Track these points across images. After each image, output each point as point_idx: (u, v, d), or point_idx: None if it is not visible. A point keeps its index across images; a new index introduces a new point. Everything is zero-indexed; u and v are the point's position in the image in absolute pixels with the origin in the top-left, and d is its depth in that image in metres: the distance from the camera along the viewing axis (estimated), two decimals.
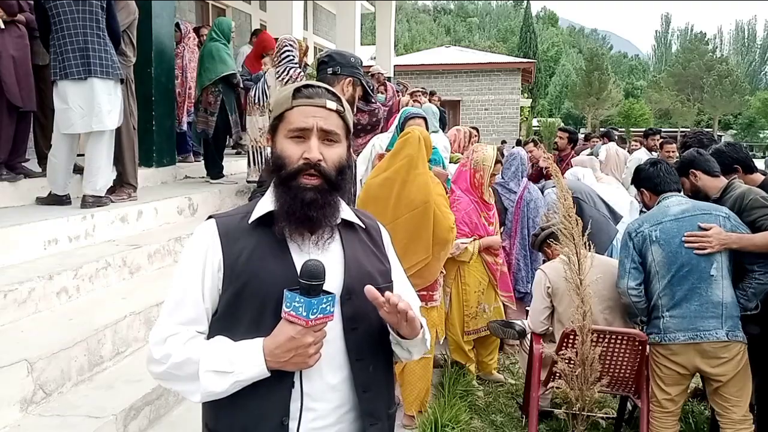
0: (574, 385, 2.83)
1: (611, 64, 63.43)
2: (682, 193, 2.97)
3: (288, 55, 4.75)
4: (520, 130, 25.34)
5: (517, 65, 24.06)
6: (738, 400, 2.66)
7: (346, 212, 1.31)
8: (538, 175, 6.16)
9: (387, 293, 1.16)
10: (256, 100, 5.07)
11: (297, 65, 4.80)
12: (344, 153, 1.28)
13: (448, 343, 3.90)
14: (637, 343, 2.89)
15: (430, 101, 7.82)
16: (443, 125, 7.46)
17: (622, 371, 2.96)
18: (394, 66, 13.24)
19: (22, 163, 4.19)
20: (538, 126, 35.84)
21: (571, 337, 2.86)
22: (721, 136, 38.90)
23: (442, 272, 3.40)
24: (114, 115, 3.79)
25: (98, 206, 3.81)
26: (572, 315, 2.87)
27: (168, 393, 2.70)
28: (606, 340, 2.88)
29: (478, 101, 23.04)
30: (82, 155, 3.96)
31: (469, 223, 3.68)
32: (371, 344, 1.27)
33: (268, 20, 7.96)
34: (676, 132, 29.55)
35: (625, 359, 2.93)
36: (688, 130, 12.19)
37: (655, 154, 6.92)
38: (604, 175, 5.73)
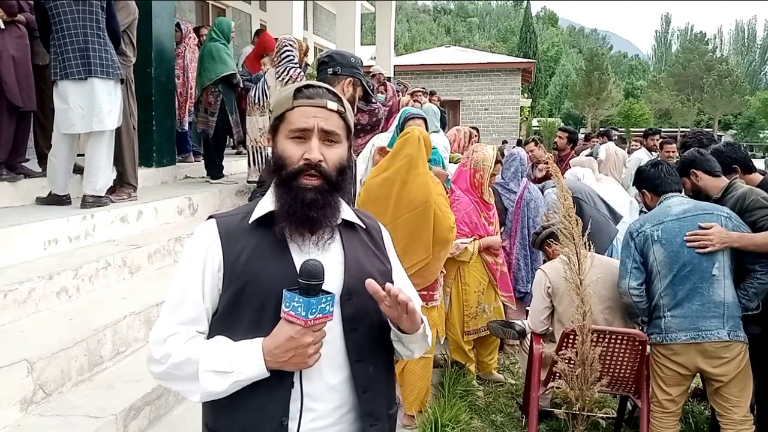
0: (574, 385, 2.83)
1: (611, 64, 63.43)
2: (683, 193, 2.97)
3: (288, 55, 4.75)
4: (520, 130, 25.34)
5: (517, 65, 24.06)
6: (739, 401, 2.66)
7: (346, 212, 1.31)
8: (543, 177, 6.13)
9: (387, 284, 1.17)
10: (256, 101, 5.07)
11: (297, 65, 4.80)
12: (345, 153, 1.28)
13: (448, 343, 3.90)
14: (637, 343, 2.89)
15: (429, 101, 7.82)
16: (443, 125, 7.46)
17: (622, 371, 2.96)
18: (394, 66, 13.24)
19: (22, 163, 4.19)
20: (538, 126, 35.84)
21: (571, 337, 2.86)
22: (721, 136, 38.90)
23: (442, 272, 3.40)
24: (114, 115, 3.79)
25: (98, 206, 3.81)
26: (572, 315, 2.87)
27: (168, 393, 2.70)
28: (606, 340, 2.88)
29: (478, 101, 23.04)
30: (82, 155, 3.96)
31: (469, 223, 3.68)
32: (371, 345, 1.27)
33: (268, 20, 7.96)
34: (676, 132, 29.55)
35: (625, 359, 2.93)
36: (688, 130, 12.19)
37: (654, 154, 6.92)
38: (603, 176, 5.73)
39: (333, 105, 1.25)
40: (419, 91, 7.71)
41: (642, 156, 7.02)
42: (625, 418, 3.41)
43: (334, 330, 1.20)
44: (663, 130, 19.24)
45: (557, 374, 2.93)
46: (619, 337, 2.90)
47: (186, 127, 6.48)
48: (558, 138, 6.77)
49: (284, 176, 1.22)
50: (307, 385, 1.18)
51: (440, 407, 3.21)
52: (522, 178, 4.50)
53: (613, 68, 59.11)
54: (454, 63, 23.41)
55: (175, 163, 5.71)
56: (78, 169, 4.12)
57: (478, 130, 6.86)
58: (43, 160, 4.33)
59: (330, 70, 2.59)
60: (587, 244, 2.95)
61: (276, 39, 5.24)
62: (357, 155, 3.68)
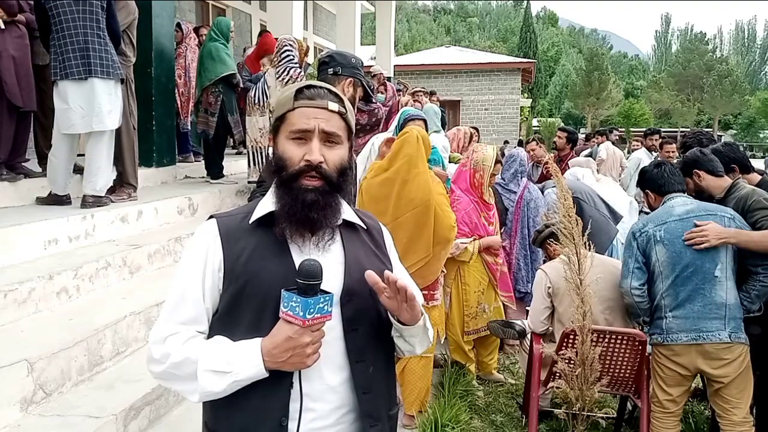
0: (574, 385, 2.83)
1: (611, 64, 63.41)
2: (686, 193, 2.96)
3: (288, 55, 4.75)
4: (520, 130, 25.34)
5: (517, 65, 24.05)
6: (739, 402, 2.66)
7: (347, 213, 1.31)
8: (545, 177, 6.13)
9: (386, 272, 1.17)
10: (256, 101, 5.07)
11: (297, 65, 4.80)
12: (346, 154, 1.27)
13: (448, 343, 3.90)
14: (637, 343, 2.89)
15: (429, 101, 7.81)
16: (443, 125, 7.45)
17: (622, 371, 2.96)
18: (394, 66, 13.23)
19: (22, 163, 4.19)
20: (538, 126, 35.85)
21: (571, 337, 2.86)
22: (721, 136, 38.91)
23: (442, 272, 3.40)
24: (114, 115, 3.79)
25: (98, 206, 3.81)
26: (572, 315, 2.87)
27: (168, 393, 2.70)
28: (606, 340, 2.88)
29: (478, 101, 23.04)
30: (82, 155, 3.96)
31: (469, 223, 3.69)
32: (372, 345, 1.27)
33: (268, 20, 7.95)
34: (676, 132, 29.55)
35: (625, 359, 2.93)
36: (688, 130, 12.19)
37: (654, 155, 6.92)
38: (602, 176, 5.73)
39: (334, 106, 1.24)
40: (419, 90, 7.70)
41: (642, 156, 7.02)
42: (625, 418, 3.41)
43: (334, 330, 1.20)
44: (663, 130, 19.22)
45: (557, 374, 2.94)
46: (619, 337, 2.90)
47: (188, 127, 6.48)
48: (557, 138, 6.77)
49: (285, 177, 1.22)
50: (306, 386, 1.18)
51: (440, 407, 3.21)
52: (522, 178, 4.50)
53: (613, 68, 59.10)
54: (454, 63, 23.40)
55: (175, 163, 5.71)
56: (78, 169, 4.12)
57: (478, 130, 6.86)
58: (43, 160, 4.34)
59: (330, 71, 2.60)
60: (587, 244, 2.95)
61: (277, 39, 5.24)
62: (357, 155, 3.68)
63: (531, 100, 36.79)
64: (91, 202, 3.79)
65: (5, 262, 3.01)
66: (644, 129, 10.14)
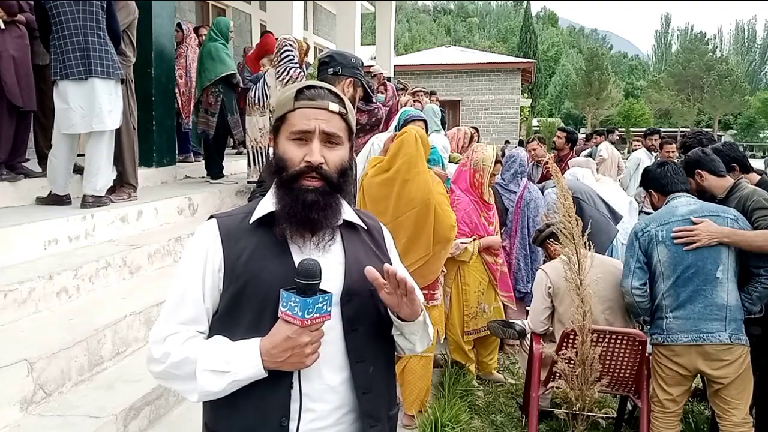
0: (574, 385, 2.83)
1: (611, 64, 63.43)
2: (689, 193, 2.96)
3: (288, 55, 4.75)
4: (520, 130, 25.34)
5: (517, 65, 24.05)
6: (738, 403, 2.66)
7: (348, 213, 1.31)
8: (545, 177, 6.13)
9: (386, 265, 1.17)
10: (256, 101, 5.08)
11: (297, 65, 4.80)
12: (346, 155, 1.27)
13: (448, 343, 3.90)
14: (637, 343, 2.89)
15: (429, 101, 7.81)
16: (443, 125, 7.45)
17: (622, 371, 2.96)
18: (394, 66, 13.23)
19: (23, 163, 4.19)
20: (538, 126, 35.87)
21: (571, 337, 2.86)
22: (721, 136, 38.93)
23: (443, 271, 3.40)
24: (115, 115, 3.79)
25: (98, 206, 3.81)
26: (573, 315, 2.87)
27: (168, 393, 2.70)
28: (606, 340, 2.88)
29: (478, 101, 23.04)
30: (82, 155, 3.96)
31: (468, 223, 3.69)
32: (372, 346, 1.26)
33: (268, 20, 7.95)
34: (676, 132, 29.56)
35: (625, 359, 2.93)
36: (688, 130, 12.19)
37: (654, 155, 6.92)
38: (602, 175, 5.73)
39: (335, 107, 1.24)
40: (420, 90, 7.69)
41: (641, 156, 7.02)
42: (625, 418, 3.41)
43: (334, 330, 1.20)
44: (663, 130, 19.24)
45: (557, 374, 2.93)
46: (619, 337, 2.90)
47: (190, 127, 6.48)
48: (557, 138, 6.76)
49: (285, 178, 1.22)
50: (306, 386, 1.18)
51: (440, 407, 3.21)
52: (522, 179, 4.50)
53: (613, 68, 59.12)
54: (454, 63, 23.41)
55: (175, 163, 5.71)
56: (78, 169, 4.12)
57: (477, 130, 6.86)
58: (43, 160, 4.34)
59: (331, 71, 2.60)
60: (587, 244, 2.95)
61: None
62: (356, 155, 3.68)
63: (531, 100, 36.81)
64: (91, 202, 3.79)
65: (5, 262, 3.01)
66: (644, 129, 10.13)
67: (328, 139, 1.23)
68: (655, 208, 3.00)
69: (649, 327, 2.91)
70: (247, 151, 5.35)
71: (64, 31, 3.58)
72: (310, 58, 8.86)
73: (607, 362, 2.92)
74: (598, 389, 2.83)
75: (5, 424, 2.22)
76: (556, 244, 3.24)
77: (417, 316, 1.25)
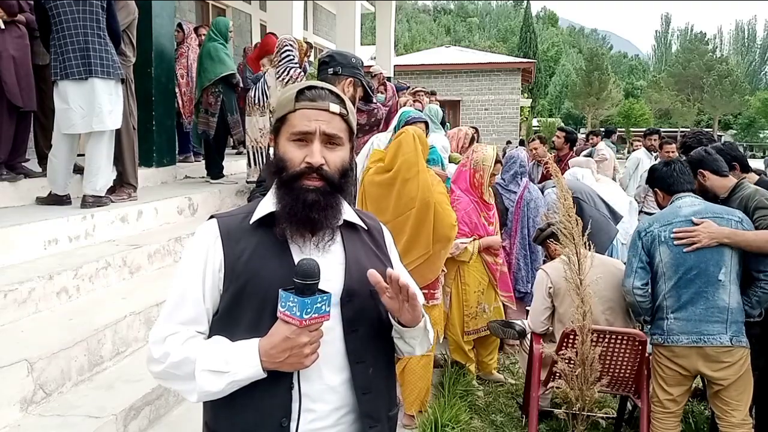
0: (574, 385, 2.83)
1: (611, 64, 63.43)
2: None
3: (288, 55, 4.75)
4: (520, 130, 25.34)
5: (517, 65, 24.04)
6: (738, 404, 2.65)
7: (348, 213, 1.31)
8: (545, 177, 6.12)
9: (388, 269, 1.17)
10: (256, 101, 5.08)
11: (297, 65, 4.80)
12: (347, 156, 1.27)
13: (448, 343, 3.90)
14: (637, 343, 2.89)
15: (429, 101, 7.79)
16: (442, 125, 7.43)
17: (622, 371, 2.96)
18: (394, 66, 13.23)
19: (23, 163, 4.19)
20: (538, 126, 35.87)
21: (571, 337, 2.86)
22: (721, 136, 38.94)
23: (443, 271, 3.40)
24: (115, 115, 3.79)
25: (98, 206, 3.81)
26: (573, 315, 2.87)
27: (168, 393, 2.70)
28: (606, 340, 2.88)
29: (478, 101, 23.03)
30: (82, 155, 3.96)
31: (468, 223, 3.69)
32: (372, 346, 1.26)
33: (268, 20, 7.95)
34: (676, 132, 29.56)
35: (625, 359, 2.93)
36: (688, 130, 12.19)
37: (654, 155, 6.91)
38: (601, 175, 5.73)
39: (335, 108, 1.24)
40: (421, 90, 7.68)
41: (641, 156, 7.01)
42: (625, 418, 3.41)
43: (334, 331, 1.20)
44: (663, 130, 19.25)
45: (557, 374, 2.93)
46: (619, 337, 2.90)
47: (191, 127, 6.48)
48: (556, 138, 6.76)
49: (285, 178, 1.21)
50: (306, 386, 1.18)
51: (440, 407, 3.21)
52: (522, 179, 4.50)
53: (613, 68, 59.12)
54: (454, 63, 23.39)
55: (175, 163, 5.71)
56: (78, 169, 4.12)
57: (477, 131, 6.85)
58: (43, 160, 4.34)
59: (331, 70, 2.59)
60: (587, 244, 2.95)
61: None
62: (356, 155, 3.68)
63: (531, 100, 36.80)
64: (91, 202, 3.79)
65: (5, 262, 3.01)
66: (644, 129, 10.13)
67: (329, 140, 1.23)
68: (661, 207, 2.98)
69: (649, 327, 2.91)
70: (247, 151, 5.35)
71: (64, 31, 3.58)
72: (312, 57, 8.86)
73: (607, 362, 2.92)
74: (598, 389, 2.83)
75: (5, 424, 2.22)
76: (556, 244, 3.23)
77: (418, 322, 1.25)
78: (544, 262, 3.92)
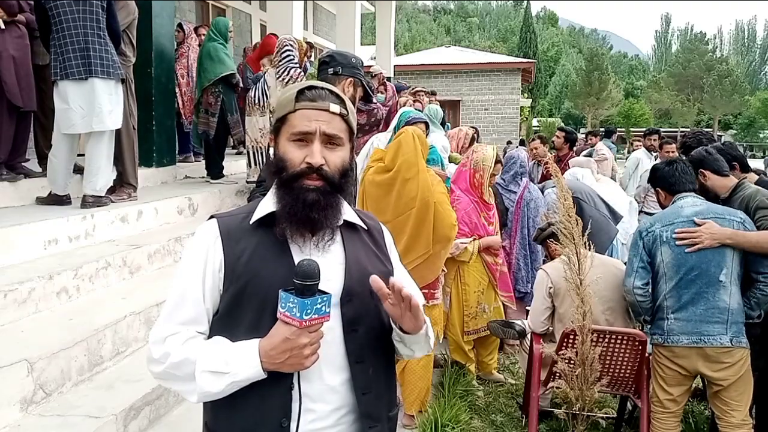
0: (574, 385, 2.83)
1: (611, 64, 63.46)
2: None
3: (288, 55, 4.74)
4: (520, 130, 25.34)
5: (517, 65, 24.03)
6: (738, 405, 2.65)
7: (348, 213, 1.31)
8: (546, 177, 6.12)
9: (391, 279, 1.17)
10: (256, 101, 5.08)
11: (297, 65, 4.80)
12: (347, 156, 1.26)
13: (448, 343, 3.90)
14: (637, 343, 2.89)
15: (429, 101, 7.79)
16: (442, 125, 7.43)
17: (622, 371, 2.96)
18: (394, 66, 13.23)
19: (23, 163, 4.19)
20: (538, 126, 35.87)
21: (571, 337, 2.86)
22: (721, 136, 38.92)
23: (443, 270, 3.40)
24: (115, 115, 3.79)
25: (98, 206, 3.81)
26: (573, 315, 2.87)
27: (168, 393, 2.70)
28: (606, 339, 2.88)
29: (478, 101, 23.03)
30: (82, 155, 3.96)
31: (468, 223, 3.69)
32: (372, 346, 1.26)
33: (268, 20, 7.96)
34: (676, 132, 29.55)
35: (625, 359, 2.93)
36: (688, 130, 12.18)
37: (654, 155, 6.91)
38: (601, 175, 5.73)
39: (336, 108, 1.23)
40: (421, 90, 7.67)
41: (641, 156, 7.01)
42: (625, 418, 3.41)
43: (334, 331, 1.20)
44: (663, 130, 19.24)
45: (557, 374, 2.93)
46: (619, 336, 2.90)
47: (191, 127, 6.48)
48: (555, 138, 6.76)
49: (285, 178, 1.21)
50: (306, 386, 1.18)
51: (440, 407, 3.21)
52: (522, 179, 4.50)
53: (613, 68, 59.14)
54: (454, 63, 23.39)
55: (175, 163, 5.71)
56: (78, 169, 4.12)
57: (477, 131, 6.85)
58: (43, 160, 4.34)
59: (331, 70, 2.59)
60: (587, 244, 2.95)
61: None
62: (356, 155, 3.68)
63: (531, 100, 36.80)
64: (91, 202, 3.79)
65: (5, 262, 3.01)
66: (644, 129, 10.14)
67: (329, 140, 1.23)
68: (663, 207, 2.98)
69: (649, 327, 2.91)
70: (247, 151, 5.35)
71: (64, 31, 3.58)
72: (312, 57, 8.85)
73: (607, 362, 2.92)
74: (598, 389, 2.83)
75: (5, 424, 2.22)
76: (556, 243, 3.23)
77: (419, 330, 1.24)
78: (544, 262, 3.91)
